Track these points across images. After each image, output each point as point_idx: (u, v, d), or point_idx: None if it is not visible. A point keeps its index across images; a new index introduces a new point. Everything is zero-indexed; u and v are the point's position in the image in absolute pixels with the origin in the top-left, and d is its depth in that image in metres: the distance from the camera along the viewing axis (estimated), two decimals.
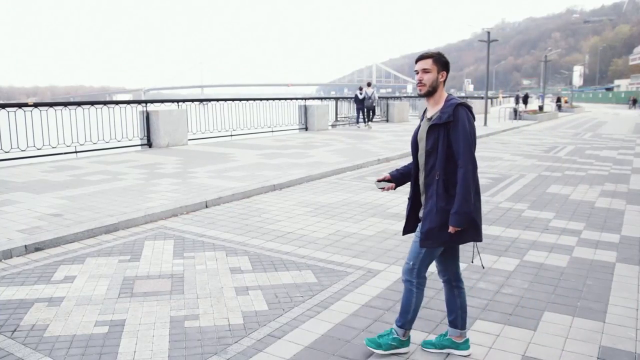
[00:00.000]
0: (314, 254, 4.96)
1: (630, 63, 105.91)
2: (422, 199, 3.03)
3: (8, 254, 4.84)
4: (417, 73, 2.95)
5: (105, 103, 12.92)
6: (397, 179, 3.26)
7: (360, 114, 20.59)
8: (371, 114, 21.00)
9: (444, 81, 2.95)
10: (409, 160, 3.27)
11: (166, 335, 3.36)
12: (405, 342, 3.15)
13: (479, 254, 3.42)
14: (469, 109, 2.90)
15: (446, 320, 3.57)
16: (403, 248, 5.16)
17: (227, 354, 3.13)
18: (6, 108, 10.59)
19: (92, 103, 12.45)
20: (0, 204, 6.56)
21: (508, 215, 6.56)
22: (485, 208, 6.94)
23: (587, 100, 79.39)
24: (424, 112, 3.07)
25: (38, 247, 5.05)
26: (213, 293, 4.04)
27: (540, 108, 34.85)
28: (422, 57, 2.95)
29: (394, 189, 3.27)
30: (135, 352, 3.14)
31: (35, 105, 11.10)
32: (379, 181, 3.28)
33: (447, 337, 3.17)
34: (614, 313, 3.72)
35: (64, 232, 5.35)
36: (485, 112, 23.10)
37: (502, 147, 14.65)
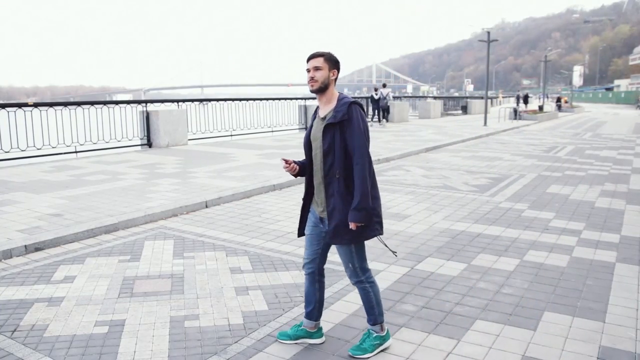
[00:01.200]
0: None
1: (630, 63, 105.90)
2: (321, 197, 3.05)
3: (8, 254, 4.84)
4: (309, 71, 2.98)
5: (105, 103, 12.93)
6: (300, 168, 3.16)
7: (376, 113, 22.10)
8: (385, 113, 22.33)
9: (335, 79, 3.02)
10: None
11: (166, 335, 3.36)
12: (386, 336, 3.20)
13: (385, 244, 3.42)
14: (361, 107, 3.00)
15: (447, 320, 3.58)
16: (403, 248, 5.16)
17: (227, 354, 3.13)
18: (6, 108, 10.60)
19: (92, 103, 12.45)
20: (0, 204, 6.56)
21: (508, 215, 6.56)
22: (485, 208, 6.94)
23: (587, 100, 79.41)
24: (316, 111, 3.11)
25: (38, 247, 5.05)
26: (213, 293, 4.04)
27: (540, 108, 34.87)
28: (313, 56, 2.99)
29: (294, 173, 3.14)
30: (135, 352, 3.14)
31: (35, 105, 11.10)
32: (286, 161, 3.15)
33: (302, 327, 3.28)
34: (614, 313, 3.72)
35: (64, 232, 5.35)
36: (485, 112, 23.09)
37: (502, 147, 14.65)
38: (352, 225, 2.91)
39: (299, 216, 3.30)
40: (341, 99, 2.99)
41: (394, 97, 28.93)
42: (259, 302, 3.86)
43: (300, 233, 3.30)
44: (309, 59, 3.01)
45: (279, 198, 7.34)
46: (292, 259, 4.84)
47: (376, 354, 3.11)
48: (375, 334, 3.16)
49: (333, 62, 2.99)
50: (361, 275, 3.15)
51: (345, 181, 2.93)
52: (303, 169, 3.16)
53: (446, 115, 30.90)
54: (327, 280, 4.28)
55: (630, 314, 3.71)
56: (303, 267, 3.31)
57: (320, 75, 2.96)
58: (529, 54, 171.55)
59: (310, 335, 3.27)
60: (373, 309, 3.17)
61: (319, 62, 2.97)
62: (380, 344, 3.15)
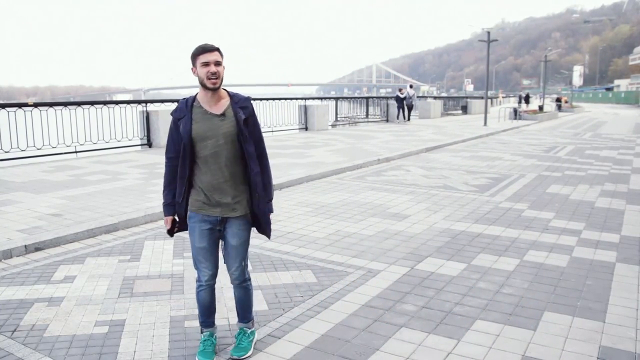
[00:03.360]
0: (314, 254, 4.96)
1: (630, 63, 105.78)
2: (217, 196, 2.91)
3: (8, 254, 4.83)
4: (207, 65, 2.77)
5: (105, 103, 12.92)
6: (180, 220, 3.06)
7: (400, 111, 23.87)
8: (408, 111, 24.42)
9: None
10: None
11: (166, 335, 3.36)
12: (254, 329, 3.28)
13: None
14: None
15: (447, 320, 3.58)
16: (403, 248, 5.16)
17: (227, 354, 3.13)
18: (6, 108, 10.59)
19: (92, 103, 12.44)
20: (0, 204, 6.56)
21: (508, 215, 6.56)
22: (485, 208, 6.94)
23: (587, 100, 79.38)
24: (190, 108, 2.88)
25: (38, 247, 5.04)
26: None
27: (540, 108, 34.87)
28: (212, 49, 2.80)
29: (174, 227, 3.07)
30: (135, 352, 3.14)
31: (35, 105, 11.09)
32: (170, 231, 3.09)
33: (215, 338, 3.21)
34: (614, 313, 3.72)
35: (64, 232, 5.34)
36: (485, 112, 23.08)
37: (502, 147, 14.65)
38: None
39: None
40: (234, 94, 2.95)
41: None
42: (259, 302, 3.86)
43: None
44: (206, 52, 2.78)
45: (279, 198, 7.33)
46: (292, 259, 4.84)
47: (255, 350, 3.16)
48: (250, 330, 3.20)
49: (222, 56, 2.87)
50: (248, 274, 3.18)
51: (255, 177, 3.02)
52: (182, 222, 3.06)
53: (446, 115, 30.89)
54: (327, 281, 4.31)
55: (630, 314, 3.71)
56: (203, 283, 3.08)
57: (221, 71, 2.81)
58: (529, 54, 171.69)
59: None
60: (250, 307, 3.21)
61: (219, 56, 2.81)
62: (254, 338, 3.21)
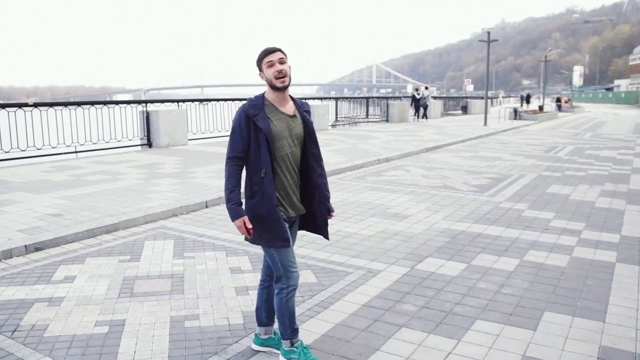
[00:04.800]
0: (314, 254, 4.96)
1: (630, 63, 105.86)
2: (290, 196, 2.89)
3: (8, 254, 4.84)
4: (272, 65, 2.76)
5: (105, 103, 12.92)
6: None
7: (417, 110, 25.85)
8: (423, 110, 26.15)
9: None
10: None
11: (166, 335, 3.36)
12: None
13: None
14: None
15: (447, 320, 3.58)
16: (403, 248, 5.16)
17: (227, 354, 3.13)
18: (6, 108, 10.59)
19: (92, 103, 12.44)
20: (0, 204, 6.56)
21: (508, 215, 6.56)
22: (485, 208, 6.94)
23: (587, 101, 79.35)
24: (262, 108, 2.81)
25: (38, 247, 5.04)
26: (213, 293, 4.04)
27: (540, 108, 34.88)
28: (274, 50, 2.81)
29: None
30: (135, 352, 3.14)
31: (35, 105, 11.09)
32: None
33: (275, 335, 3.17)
34: (614, 313, 3.72)
35: (64, 232, 5.35)
36: (485, 112, 23.09)
37: (502, 147, 14.65)
38: (333, 214, 3.07)
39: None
40: (295, 98, 2.98)
41: (394, 97, 30.08)
42: None
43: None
44: (270, 53, 2.80)
45: None
46: None
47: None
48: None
49: (286, 56, 2.88)
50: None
51: (318, 179, 3.00)
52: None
53: (446, 116, 30.90)
54: (327, 281, 4.31)
55: (630, 314, 3.71)
56: (296, 285, 2.98)
57: (287, 69, 2.81)
58: (529, 54, 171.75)
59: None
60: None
61: (283, 55, 2.82)
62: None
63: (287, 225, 2.88)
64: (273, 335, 3.17)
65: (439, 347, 3.22)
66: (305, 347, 3.00)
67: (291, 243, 2.90)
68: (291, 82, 2.84)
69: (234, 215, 2.80)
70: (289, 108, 2.89)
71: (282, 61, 2.78)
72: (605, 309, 3.79)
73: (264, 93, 2.90)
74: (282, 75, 2.76)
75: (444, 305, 3.83)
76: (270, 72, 2.77)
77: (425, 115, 26.37)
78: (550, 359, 3.09)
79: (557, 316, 3.66)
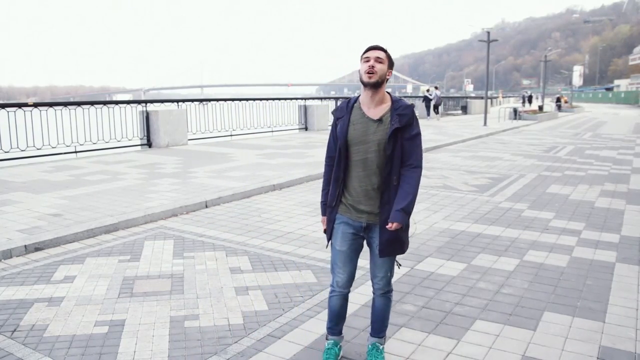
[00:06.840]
0: (314, 254, 4.96)
1: (630, 63, 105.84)
2: (372, 204, 2.82)
3: (8, 254, 4.83)
4: (368, 60, 2.74)
5: (105, 103, 12.92)
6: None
7: (429, 109, 27.58)
8: (436, 109, 28.04)
9: (386, 80, 2.81)
10: None
11: (166, 335, 3.36)
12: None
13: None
14: None
15: (447, 320, 3.58)
16: None
17: (227, 354, 3.13)
18: (6, 108, 10.59)
19: (92, 103, 12.44)
20: (0, 204, 6.56)
21: (508, 215, 6.56)
22: (485, 208, 6.94)
23: (587, 100, 79.38)
24: (351, 109, 2.83)
25: (38, 247, 5.04)
26: (213, 293, 4.04)
27: (540, 108, 34.88)
28: (375, 47, 2.80)
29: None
30: (135, 352, 3.14)
31: (35, 105, 11.09)
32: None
33: (339, 346, 3.15)
34: (614, 313, 3.72)
35: (64, 232, 5.34)
36: (485, 112, 23.09)
37: (502, 147, 14.65)
38: (392, 226, 2.73)
39: (321, 222, 2.99)
40: (396, 99, 2.82)
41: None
42: (259, 302, 3.86)
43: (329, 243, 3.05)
44: (370, 49, 2.79)
45: (279, 198, 7.34)
46: (292, 259, 4.84)
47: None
48: (382, 346, 3.08)
49: (391, 61, 2.81)
50: (390, 285, 3.07)
51: (396, 189, 2.77)
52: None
53: (446, 115, 30.89)
54: (327, 281, 4.30)
55: (630, 314, 3.71)
56: (336, 288, 3.00)
57: (380, 68, 2.72)
58: (529, 54, 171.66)
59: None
60: (386, 320, 3.09)
61: (382, 54, 2.75)
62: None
63: (351, 230, 2.89)
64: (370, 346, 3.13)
65: (439, 347, 3.22)
66: (330, 349, 3.05)
67: (346, 248, 2.92)
68: (382, 84, 2.76)
69: (322, 212, 3.05)
70: (378, 111, 2.78)
71: (378, 60, 2.74)
72: (605, 309, 3.79)
73: (359, 95, 2.89)
74: (371, 71, 2.72)
75: (444, 305, 3.83)
76: (363, 67, 2.75)
77: (437, 112, 28.27)
78: (550, 359, 3.09)
79: (557, 316, 3.66)
